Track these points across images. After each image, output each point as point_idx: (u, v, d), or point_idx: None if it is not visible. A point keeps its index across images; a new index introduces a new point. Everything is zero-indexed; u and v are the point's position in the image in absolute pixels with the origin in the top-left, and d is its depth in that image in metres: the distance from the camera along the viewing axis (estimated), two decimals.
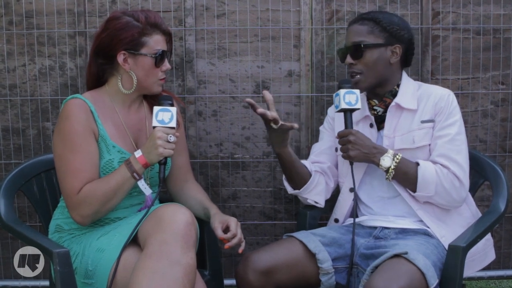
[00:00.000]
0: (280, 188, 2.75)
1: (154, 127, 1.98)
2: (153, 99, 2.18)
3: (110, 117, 2.08)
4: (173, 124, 1.97)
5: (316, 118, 2.71)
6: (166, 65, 2.09)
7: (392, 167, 2.08)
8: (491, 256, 2.21)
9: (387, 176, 2.10)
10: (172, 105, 2.01)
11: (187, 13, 2.66)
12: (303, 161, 2.30)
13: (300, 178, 2.24)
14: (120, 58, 2.04)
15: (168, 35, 2.10)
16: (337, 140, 2.25)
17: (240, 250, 2.04)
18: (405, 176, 2.09)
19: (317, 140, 2.69)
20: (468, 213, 2.18)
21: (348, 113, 2.14)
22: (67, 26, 2.66)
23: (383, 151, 2.10)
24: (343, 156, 2.14)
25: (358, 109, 2.13)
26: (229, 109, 2.72)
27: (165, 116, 1.97)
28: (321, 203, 2.28)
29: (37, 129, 2.71)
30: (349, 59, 2.19)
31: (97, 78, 2.12)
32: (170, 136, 1.96)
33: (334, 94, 2.17)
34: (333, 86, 2.70)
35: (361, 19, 2.21)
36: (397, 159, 2.08)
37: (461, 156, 2.10)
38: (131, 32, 2.02)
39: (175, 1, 2.66)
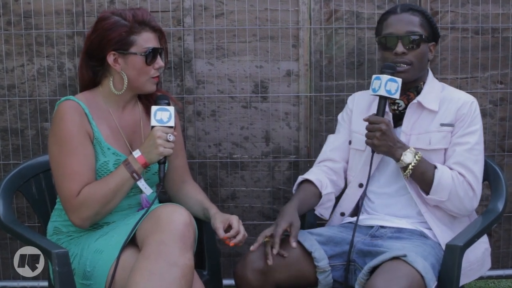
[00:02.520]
0: (279, 188, 2.75)
1: (153, 127, 1.97)
2: (148, 100, 2.16)
3: (104, 119, 2.06)
4: (172, 123, 1.98)
5: (315, 118, 2.71)
6: (159, 62, 2.06)
7: (413, 164, 2.04)
8: (487, 264, 2.21)
9: (405, 173, 2.07)
10: (169, 104, 2.00)
11: (185, 13, 2.66)
12: (316, 175, 2.22)
13: (311, 208, 2.23)
14: (110, 58, 2.01)
15: (159, 32, 2.07)
16: (352, 133, 2.26)
17: (232, 244, 2.01)
18: (422, 176, 2.07)
19: (316, 141, 2.70)
20: (467, 220, 2.18)
21: (383, 100, 2.08)
22: (66, 26, 2.66)
23: (405, 147, 2.07)
24: (367, 142, 2.08)
25: (396, 99, 2.09)
26: (227, 109, 2.72)
27: (163, 116, 1.97)
28: (326, 217, 2.28)
29: (35, 130, 2.71)
30: (401, 48, 2.10)
31: (90, 80, 2.09)
32: (170, 135, 1.96)
33: (374, 76, 2.09)
34: (331, 85, 2.70)
35: (410, 9, 2.15)
36: (419, 156, 2.05)
37: (478, 166, 2.09)
38: (118, 31, 1.99)
39: (173, 1, 2.66)
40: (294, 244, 1.97)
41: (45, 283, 2.71)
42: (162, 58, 2.08)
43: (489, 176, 2.27)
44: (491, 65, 2.70)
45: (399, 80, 2.07)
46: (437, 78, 2.60)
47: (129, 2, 2.65)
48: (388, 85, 2.05)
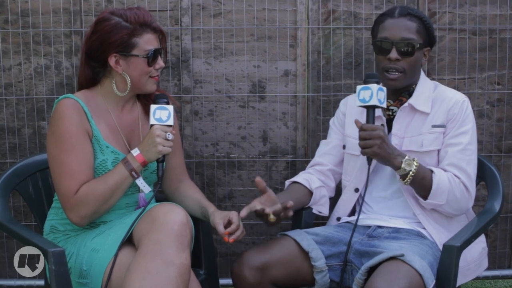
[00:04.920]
0: (276, 188, 2.75)
1: (152, 125, 1.97)
2: (146, 100, 2.16)
3: (103, 118, 2.06)
4: (171, 122, 1.98)
5: (312, 117, 2.71)
6: (160, 63, 2.05)
7: (413, 171, 2.01)
8: (484, 265, 2.21)
9: (405, 181, 2.03)
10: (168, 103, 2.00)
11: (183, 13, 2.66)
12: (302, 176, 2.26)
13: (303, 204, 2.24)
14: (112, 61, 2.00)
15: (159, 32, 2.05)
16: (346, 138, 2.25)
17: (231, 240, 2.01)
18: (421, 182, 2.05)
19: (313, 140, 2.70)
20: (466, 221, 2.18)
21: (371, 109, 2.04)
22: (63, 25, 2.66)
23: (402, 154, 2.03)
24: (365, 152, 2.02)
25: (384, 107, 2.06)
26: (225, 108, 2.72)
27: (162, 114, 1.97)
28: (325, 213, 2.29)
29: (32, 128, 2.71)
30: (395, 55, 2.08)
31: (90, 80, 2.08)
32: (168, 134, 1.96)
33: (360, 87, 2.03)
34: (329, 85, 2.70)
35: (408, 14, 2.11)
36: (417, 163, 2.03)
37: (471, 166, 2.08)
38: (120, 34, 1.97)
39: (171, 1, 2.66)
40: (290, 203, 1.98)
41: (42, 282, 2.70)
42: (162, 57, 2.08)
43: (486, 176, 2.27)
44: (489, 66, 2.71)
45: (385, 89, 2.05)
46: (434, 79, 2.61)
47: (127, 1, 2.65)
48: (379, 94, 2.01)
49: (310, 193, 2.23)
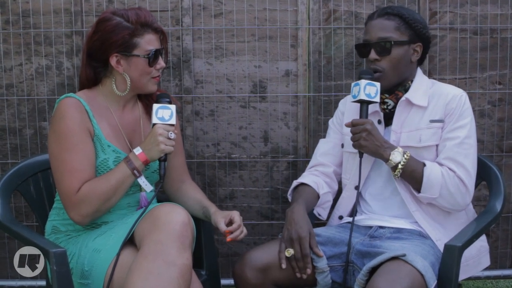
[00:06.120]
0: (277, 188, 2.75)
1: (154, 124, 1.97)
2: (147, 100, 2.17)
3: (104, 117, 2.06)
4: (173, 121, 1.99)
5: (313, 118, 2.71)
6: (161, 63, 2.06)
7: (402, 163, 2.05)
8: (485, 262, 2.20)
9: (395, 173, 2.07)
10: (170, 102, 2.01)
11: (184, 13, 2.66)
12: (311, 178, 2.26)
13: (312, 208, 2.25)
14: (113, 60, 2.01)
15: (160, 33, 2.06)
16: (344, 136, 2.27)
17: (229, 239, 2.02)
18: (412, 174, 2.07)
19: (314, 140, 2.70)
20: (465, 218, 2.17)
21: (365, 104, 2.10)
22: (64, 25, 2.66)
23: (393, 147, 2.07)
24: (354, 145, 2.09)
25: (376, 102, 2.10)
26: (226, 108, 2.72)
27: (165, 113, 1.98)
28: (324, 217, 2.29)
29: (34, 129, 2.71)
30: (373, 55, 2.13)
31: (91, 79, 2.09)
32: (171, 133, 1.97)
33: (352, 84, 2.13)
34: (330, 85, 2.70)
35: (386, 14, 2.15)
36: (407, 155, 2.06)
37: (469, 160, 2.08)
38: (121, 34, 1.98)
39: (172, 1, 2.66)
40: (322, 253, 2.02)
41: (43, 282, 2.71)
42: (163, 58, 2.08)
43: (487, 176, 2.27)
44: (490, 65, 2.70)
45: (378, 84, 2.09)
46: (435, 79, 2.61)
47: (128, 1, 2.65)
48: (367, 89, 2.07)
49: (318, 196, 2.24)
